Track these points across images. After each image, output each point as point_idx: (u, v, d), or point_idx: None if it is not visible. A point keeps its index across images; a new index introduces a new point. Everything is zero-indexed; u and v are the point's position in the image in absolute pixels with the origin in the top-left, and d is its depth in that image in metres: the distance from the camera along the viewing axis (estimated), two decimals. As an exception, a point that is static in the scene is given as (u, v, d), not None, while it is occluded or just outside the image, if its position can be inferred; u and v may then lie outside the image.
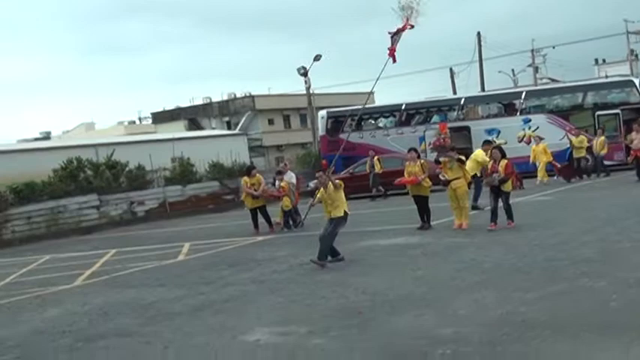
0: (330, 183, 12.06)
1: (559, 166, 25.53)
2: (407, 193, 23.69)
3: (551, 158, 25.13)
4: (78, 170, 26.66)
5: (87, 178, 26.78)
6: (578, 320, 7.20)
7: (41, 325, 9.76)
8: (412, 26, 14.15)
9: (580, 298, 8.10)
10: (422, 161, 15.53)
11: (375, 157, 26.64)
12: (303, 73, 37.67)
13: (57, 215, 25.09)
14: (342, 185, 12.24)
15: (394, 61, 14.15)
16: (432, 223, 15.41)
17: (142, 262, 15.02)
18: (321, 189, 12.34)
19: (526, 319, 7.37)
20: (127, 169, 28.02)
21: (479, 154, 17.24)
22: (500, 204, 14.19)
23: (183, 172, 29.86)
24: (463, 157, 15.27)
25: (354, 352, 6.80)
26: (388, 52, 14.26)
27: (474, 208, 16.94)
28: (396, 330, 7.54)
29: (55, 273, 14.94)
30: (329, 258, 11.89)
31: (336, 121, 34.02)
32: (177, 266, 14.25)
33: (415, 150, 16.30)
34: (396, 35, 14.16)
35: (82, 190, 26.13)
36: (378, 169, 26.46)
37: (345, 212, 12.05)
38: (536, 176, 24.73)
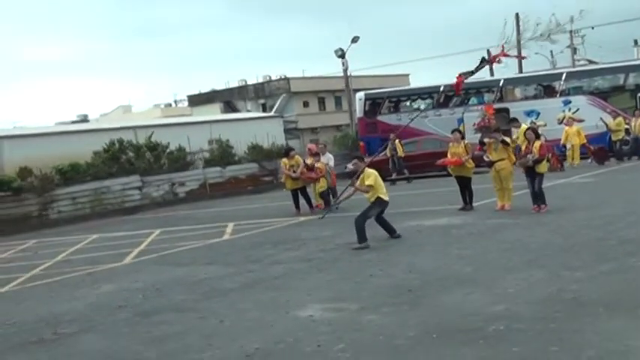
0: (362, 175, 12.36)
1: (592, 148, 25.21)
2: (436, 176, 23.94)
3: (585, 141, 24.84)
4: (120, 152, 27.12)
5: (129, 159, 27.23)
6: (630, 298, 7.25)
7: (97, 301, 10.08)
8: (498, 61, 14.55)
9: (630, 277, 8.14)
10: (466, 142, 15.54)
11: (397, 141, 26.68)
12: (341, 55, 37.66)
13: (100, 196, 25.61)
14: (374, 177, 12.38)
15: (457, 92, 14.53)
16: (473, 204, 15.43)
17: (187, 241, 15.32)
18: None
19: (577, 296, 7.45)
20: (168, 150, 28.41)
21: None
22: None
23: (223, 154, 30.17)
24: (508, 139, 15.24)
25: (408, 328, 6.92)
26: (456, 80, 14.58)
27: None
28: (447, 307, 7.67)
29: (103, 252, 15.31)
30: (388, 236, 12.49)
31: (374, 103, 34.01)
32: (224, 245, 14.51)
33: (459, 131, 16.37)
34: (481, 65, 14.49)
35: (125, 171, 26.60)
36: (400, 152, 26.46)
37: (378, 198, 12.22)
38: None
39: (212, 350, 6.90)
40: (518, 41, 47.58)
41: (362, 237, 11.91)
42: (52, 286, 11.80)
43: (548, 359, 5.69)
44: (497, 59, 14.56)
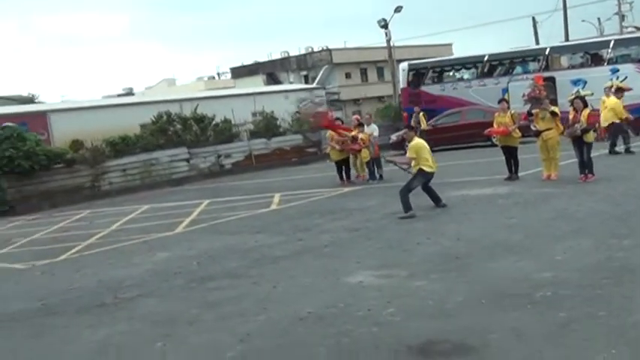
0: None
1: (631, 118, 24.54)
2: (481, 146, 23.78)
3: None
4: (167, 124, 27.61)
5: (176, 132, 27.71)
6: (680, 266, 7.30)
7: (154, 268, 10.50)
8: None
9: (680, 246, 8.16)
10: (512, 112, 15.50)
11: (420, 114, 26.40)
12: (384, 25, 37.46)
13: (150, 167, 26.18)
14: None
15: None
16: (519, 174, 15.42)
17: (236, 211, 15.70)
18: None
19: (625, 264, 7.54)
20: (213, 122, 28.80)
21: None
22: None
23: (268, 126, 30.46)
24: (557, 109, 15.14)
25: (457, 293, 7.10)
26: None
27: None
28: (494, 274, 7.83)
29: (155, 221, 15.79)
30: (434, 205, 12.72)
31: (417, 74, 33.81)
32: (272, 215, 14.84)
33: (506, 101, 16.35)
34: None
35: (172, 143, 27.11)
36: (423, 125, 26.35)
37: (420, 169, 12.38)
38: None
39: (266, 313, 7.19)
40: (565, 6, 46.54)
41: (407, 207, 12.09)
42: (110, 253, 12.28)
43: (595, 324, 5.81)
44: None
